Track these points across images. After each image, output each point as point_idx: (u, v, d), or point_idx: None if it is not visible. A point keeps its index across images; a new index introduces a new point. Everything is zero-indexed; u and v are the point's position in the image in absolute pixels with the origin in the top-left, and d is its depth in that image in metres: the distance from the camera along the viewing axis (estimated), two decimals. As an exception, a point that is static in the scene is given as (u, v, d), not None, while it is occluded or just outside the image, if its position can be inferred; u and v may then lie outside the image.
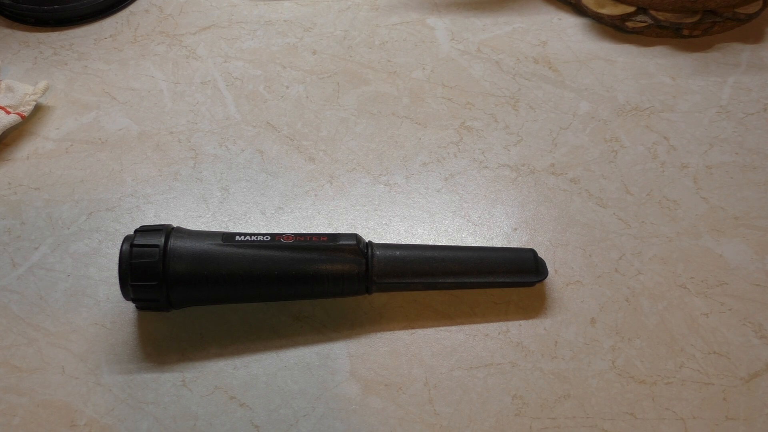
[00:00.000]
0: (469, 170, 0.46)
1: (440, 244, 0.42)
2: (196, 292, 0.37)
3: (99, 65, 0.54)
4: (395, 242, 0.42)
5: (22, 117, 0.49)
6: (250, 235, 0.37)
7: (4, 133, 0.48)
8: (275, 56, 0.54)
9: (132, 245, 0.36)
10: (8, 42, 0.56)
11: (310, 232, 0.40)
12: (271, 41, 0.56)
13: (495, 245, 0.42)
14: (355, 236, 0.38)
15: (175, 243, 0.36)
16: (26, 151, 0.48)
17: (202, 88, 0.52)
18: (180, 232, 0.38)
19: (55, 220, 0.44)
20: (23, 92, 0.50)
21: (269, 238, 0.37)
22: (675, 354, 0.37)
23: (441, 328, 0.39)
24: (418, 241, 0.42)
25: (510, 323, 0.39)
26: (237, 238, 0.37)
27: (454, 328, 0.39)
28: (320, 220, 0.44)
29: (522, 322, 0.39)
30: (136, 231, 0.37)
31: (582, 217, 0.44)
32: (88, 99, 0.52)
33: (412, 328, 0.39)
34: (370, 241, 0.38)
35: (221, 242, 0.37)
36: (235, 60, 0.54)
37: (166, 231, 0.37)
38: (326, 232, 0.43)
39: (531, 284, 0.40)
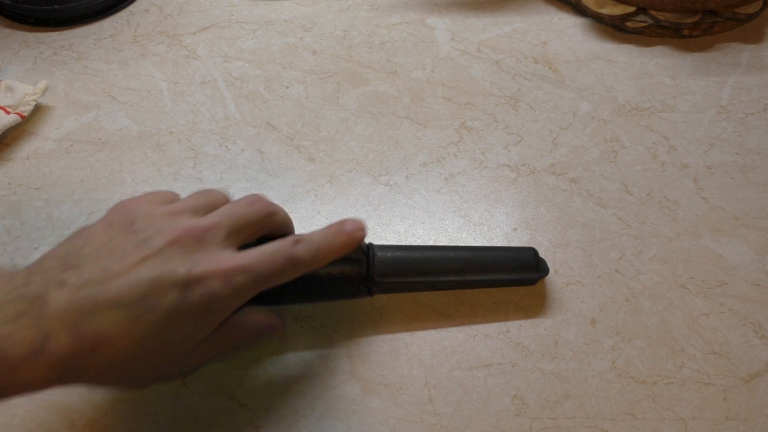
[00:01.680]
0: (469, 170, 0.46)
1: (441, 244, 0.42)
2: None
3: (99, 65, 0.54)
4: (396, 243, 0.42)
5: (22, 117, 0.49)
6: None
7: (4, 133, 0.48)
8: (275, 56, 0.54)
9: None
10: (8, 42, 0.56)
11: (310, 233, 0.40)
12: (271, 41, 0.56)
13: (495, 245, 0.42)
14: None
15: None
16: (26, 151, 0.48)
17: (202, 88, 0.52)
18: None
19: (55, 220, 0.44)
20: (23, 92, 0.50)
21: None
22: (675, 354, 0.37)
23: (441, 328, 0.39)
24: (418, 242, 0.42)
25: (510, 323, 0.39)
26: None
27: (454, 328, 0.39)
28: (320, 220, 0.44)
29: (522, 322, 0.39)
30: None
31: (582, 217, 0.44)
32: (88, 99, 0.52)
33: (412, 328, 0.39)
34: (370, 243, 0.38)
35: None
36: (235, 60, 0.54)
37: None
38: None
39: (532, 282, 0.40)
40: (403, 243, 0.42)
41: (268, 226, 0.34)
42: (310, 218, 0.44)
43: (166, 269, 0.29)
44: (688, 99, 0.50)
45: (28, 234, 0.43)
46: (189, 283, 0.29)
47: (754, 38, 0.55)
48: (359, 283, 0.37)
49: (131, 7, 0.59)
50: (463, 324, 0.39)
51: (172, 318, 0.29)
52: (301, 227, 0.43)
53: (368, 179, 0.46)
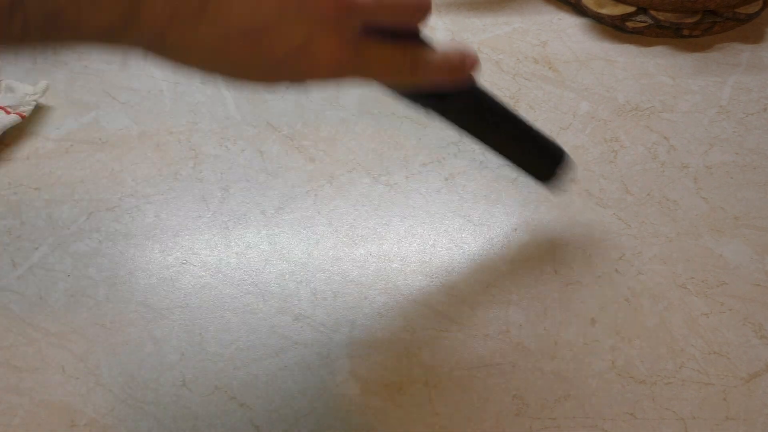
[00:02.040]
0: (469, 170, 0.46)
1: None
2: None
3: (99, 65, 0.54)
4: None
5: (22, 117, 0.49)
6: None
7: (4, 133, 0.48)
8: (275, 56, 0.54)
9: None
10: (8, 42, 0.56)
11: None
12: (271, 41, 0.56)
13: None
14: None
15: None
16: (26, 151, 0.48)
17: (202, 88, 0.52)
18: None
19: (55, 220, 0.44)
20: (23, 92, 0.50)
21: None
22: (675, 354, 0.37)
23: (441, 328, 0.39)
24: (417, 242, 0.42)
25: (510, 323, 0.39)
26: None
27: (454, 328, 0.39)
28: (320, 220, 0.44)
29: (522, 322, 0.39)
30: None
31: (582, 217, 0.44)
32: (88, 99, 0.52)
33: (412, 328, 0.39)
34: None
35: None
36: (235, 60, 0.54)
37: None
38: None
39: (547, 178, 0.40)
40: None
41: (408, 31, 0.32)
42: (310, 218, 0.44)
43: (285, 28, 0.28)
44: (688, 99, 0.50)
45: (28, 234, 0.43)
46: (296, 56, 0.28)
47: (754, 38, 0.55)
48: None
49: (131, 7, 0.59)
50: (463, 324, 0.39)
51: (261, 69, 0.28)
52: (301, 227, 0.43)
53: (368, 179, 0.46)
